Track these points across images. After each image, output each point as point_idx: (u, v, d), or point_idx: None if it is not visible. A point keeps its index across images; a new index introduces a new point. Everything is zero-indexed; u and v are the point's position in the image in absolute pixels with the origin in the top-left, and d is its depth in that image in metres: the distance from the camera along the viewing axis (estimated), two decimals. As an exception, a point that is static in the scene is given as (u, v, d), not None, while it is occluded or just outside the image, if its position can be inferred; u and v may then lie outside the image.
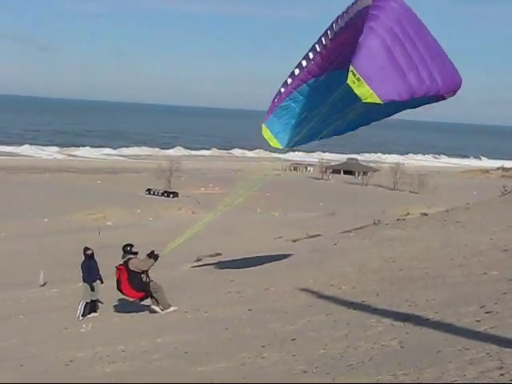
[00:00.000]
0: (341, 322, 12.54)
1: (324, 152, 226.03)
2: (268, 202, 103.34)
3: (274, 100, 18.80)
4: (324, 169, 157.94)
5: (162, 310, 17.51)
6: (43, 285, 41.06)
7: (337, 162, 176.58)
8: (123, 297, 20.06)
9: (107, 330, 16.89)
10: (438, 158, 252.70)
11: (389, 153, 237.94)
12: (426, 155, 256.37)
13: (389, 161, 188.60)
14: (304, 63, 17.51)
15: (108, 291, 20.71)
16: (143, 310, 18.67)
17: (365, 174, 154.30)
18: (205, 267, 30.19)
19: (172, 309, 17.46)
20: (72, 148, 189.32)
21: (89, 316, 19.52)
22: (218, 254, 43.76)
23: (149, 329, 15.71)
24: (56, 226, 75.91)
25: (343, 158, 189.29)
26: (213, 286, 21.40)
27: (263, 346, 11.53)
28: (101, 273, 20.79)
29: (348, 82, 14.02)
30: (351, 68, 13.94)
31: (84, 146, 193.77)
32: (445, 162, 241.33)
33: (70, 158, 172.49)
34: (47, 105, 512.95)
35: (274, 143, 19.21)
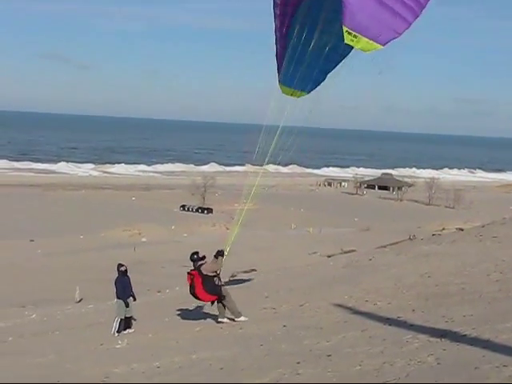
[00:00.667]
0: (376, 338, 12.44)
1: (358, 167, 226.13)
2: (302, 218, 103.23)
3: (278, 57, 17.75)
4: (358, 184, 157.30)
5: (230, 320, 17.64)
6: (79, 301, 41.37)
7: (371, 177, 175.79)
8: (157, 313, 20.13)
9: (142, 346, 16.91)
10: (473, 173, 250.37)
11: (423, 167, 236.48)
12: (462, 170, 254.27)
13: (424, 175, 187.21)
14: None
15: (142, 307, 20.80)
16: (178, 326, 18.70)
17: (399, 189, 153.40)
18: (240, 283, 30.16)
19: (243, 318, 17.56)
20: (107, 165, 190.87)
21: (124, 332, 19.59)
22: (253, 270, 43.78)
23: (184, 345, 15.71)
24: (91, 242, 76.48)
25: (378, 173, 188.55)
26: (248, 302, 21.36)
27: (298, 363, 11.48)
28: (134, 289, 20.82)
29: (346, 42, 13.89)
30: (345, 29, 13.82)
31: (119, 162, 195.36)
32: (481, 176, 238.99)
33: (106, 174, 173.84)
34: (84, 122, 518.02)
35: (298, 94, 17.93)
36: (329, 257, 47.10)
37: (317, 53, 16.57)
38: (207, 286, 17.48)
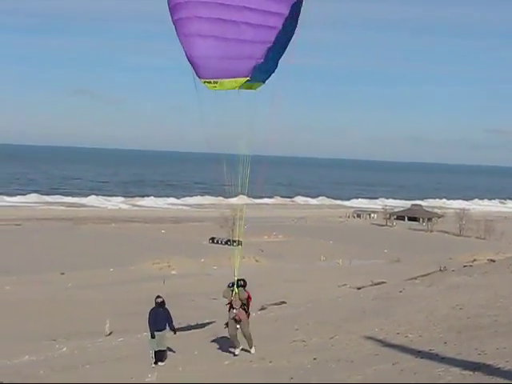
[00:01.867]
0: (408, 371, 12.30)
1: (387, 198, 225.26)
2: (332, 250, 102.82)
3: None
4: (388, 215, 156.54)
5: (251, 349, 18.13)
6: (109, 334, 41.39)
7: (401, 209, 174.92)
8: (187, 346, 20.07)
9: (172, 379, 16.87)
10: (504, 203, 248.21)
11: (454, 198, 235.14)
12: (492, 200, 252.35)
13: (454, 206, 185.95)
14: None
15: (173, 340, 20.71)
16: (208, 359, 18.63)
17: (429, 220, 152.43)
18: (269, 316, 30.04)
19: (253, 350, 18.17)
20: (137, 198, 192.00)
21: (153, 366, 19.49)
22: (283, 303, 43.64)
23: (213, 379, 15.65)
24: (121, 275, 76.68)
25: (407, 204, 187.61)
26: (277, 335, 21.26)
27: (329, 396, 11.38)
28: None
29: (210, 89, 14.05)
30: (202, 80, 13.92)
31: (148, 195, 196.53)
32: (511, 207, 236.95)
33: (135, 207, 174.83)
34: (114, 156, 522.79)
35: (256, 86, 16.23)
36: (359, 289, 46.80)
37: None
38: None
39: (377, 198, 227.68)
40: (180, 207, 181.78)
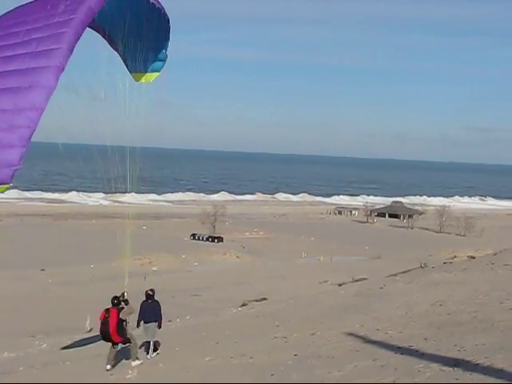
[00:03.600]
0: (388, 367, 12.35)
1: (369, 195, 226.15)
2: (313, 246, 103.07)
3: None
4: (369, 212, 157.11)
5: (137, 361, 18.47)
6: (90, 330, 41.20)
7: (382, 205, 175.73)
8: (167, 342, 20.04)
9: (152, 376, 16.84)
10: (484, 201, 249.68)
11: (434, 195, 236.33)
12: (473, 197, 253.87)
13: (434, 203, 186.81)
14: None
15: (159, 336, 20.57)
16: (188, 356, 18.61)
17: (410, 217, 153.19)
18: (250, 312, 30.04)
19: (138, 362, 18.47)
20: (117, 194, 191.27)
21: (144, 360, 19.19)
22: (264, 299, 43.64)
23: (193, 375, 15.64)
24: (102, 271, 76.42)
25: (388, 201, 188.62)
26: (258, 331, 21.26)
27: (310, 392, 11.40)
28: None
29: None
30: None
31: (129, 192, 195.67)
32: (492, 204, 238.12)
33: (116, 203, 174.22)
34: (95, 151, 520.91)
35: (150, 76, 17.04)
36: (340, 285, 46.92)
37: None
38: (120, 329, 18.12)
39: (358, 195, 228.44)
40: (161, 203, 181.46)
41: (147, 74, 16.76)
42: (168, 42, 16.37)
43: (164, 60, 16.73)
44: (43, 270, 76.81)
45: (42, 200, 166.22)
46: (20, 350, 30.17)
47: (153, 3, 14.63)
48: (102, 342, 19.19)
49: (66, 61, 12.03)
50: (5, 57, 12.25)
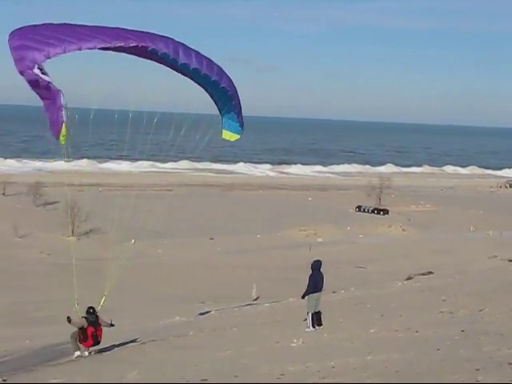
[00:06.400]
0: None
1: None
2: (482, 220, 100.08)
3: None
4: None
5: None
6: (256, 299, 42.22)
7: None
8: (332, 313, 20.14)
9: (318, 345, 16.97)
10: None
11: None
12: None
13: None
14: None
15: (323, 305, 20.71)
16: (352, 327, 18.64)
17: None
18: (416, 286, 29.68)
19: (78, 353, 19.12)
20: (284, 165, 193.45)
21: (311, 329, 19.37)
22: (430, 273, 43.01)
23: (358, 346, 15.64)
24: (268, 241, 77.89)
25: None
26: (424, 305, 20.97)
27: (478, 369, 11.10)
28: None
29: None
30: None
31: (295, 163, 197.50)
32: None
33: (282, 175, 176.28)
34: (260, 124, 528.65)
35: (235, 137, 21.05)
36: (510, 261, 45.45)
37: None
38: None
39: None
40: (327, 175, 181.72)
41: (232, 134, 20.91)
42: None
43: (243, 127, 20.80)
44: (212, 238, 79.14)
45: (210, 170, 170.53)
46: (190, 315, 31.36)
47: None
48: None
49: None
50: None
